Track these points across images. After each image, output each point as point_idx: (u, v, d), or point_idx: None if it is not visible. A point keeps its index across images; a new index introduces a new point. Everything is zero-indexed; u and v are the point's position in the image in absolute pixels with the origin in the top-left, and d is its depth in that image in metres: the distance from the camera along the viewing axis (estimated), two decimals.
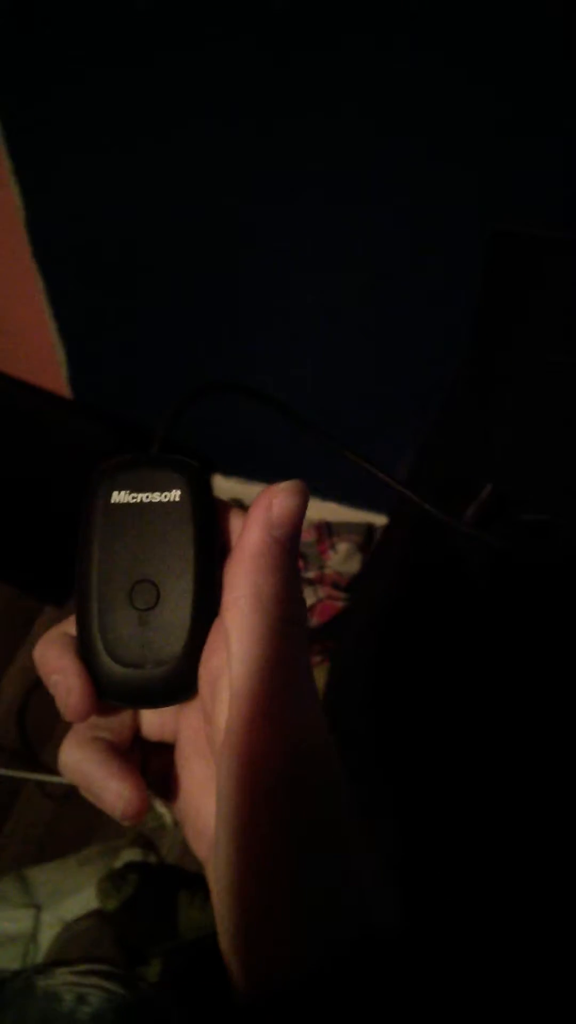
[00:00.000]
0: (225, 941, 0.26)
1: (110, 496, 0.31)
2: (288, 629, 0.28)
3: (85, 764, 0.30)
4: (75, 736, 0.31)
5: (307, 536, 1.48)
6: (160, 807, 1.12)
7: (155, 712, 0.33)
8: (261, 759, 0.26)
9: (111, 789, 0.29)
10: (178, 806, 0.33)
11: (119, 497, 0.31)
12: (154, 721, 0.33)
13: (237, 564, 0.28)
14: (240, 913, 0.25)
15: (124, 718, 0.33)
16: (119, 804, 0.29)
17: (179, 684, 0.30)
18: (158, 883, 1.03)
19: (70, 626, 0.32)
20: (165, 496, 0.31)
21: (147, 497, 0.31)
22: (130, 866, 1.07)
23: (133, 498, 0.31)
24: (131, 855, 1.10)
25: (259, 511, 0.29)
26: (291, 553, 0.29)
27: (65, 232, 1.21)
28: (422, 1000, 0.20)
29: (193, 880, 1.03)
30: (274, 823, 0.26)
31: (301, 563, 1.49)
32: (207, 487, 0.32)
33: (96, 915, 1.00)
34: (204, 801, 0.31)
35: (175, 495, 0.31)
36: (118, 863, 1.09)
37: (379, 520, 1.48)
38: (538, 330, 0.81)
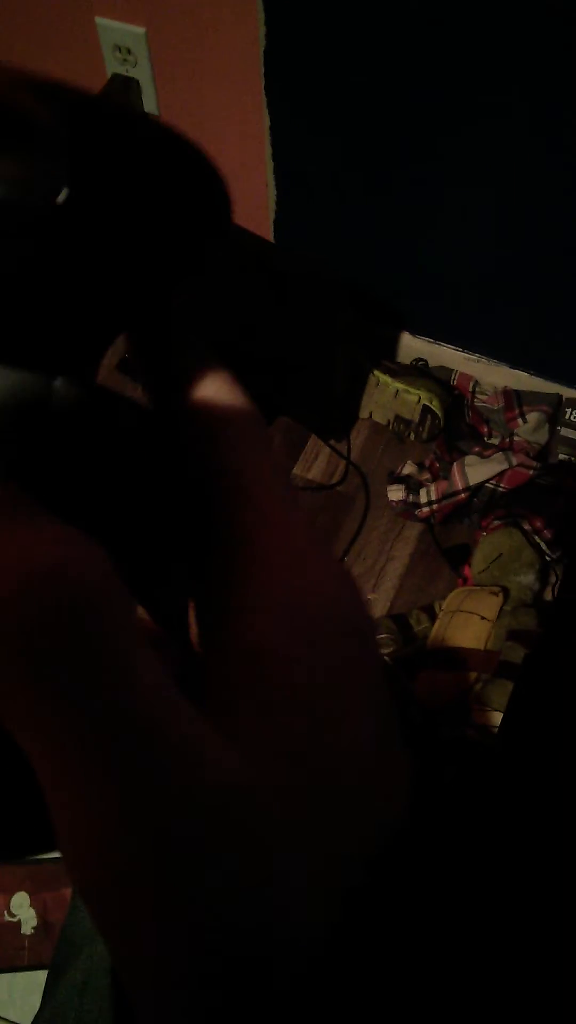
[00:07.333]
0: None
1: None
2: None
3: None
4: None
5: (493, 403, 1.46)
6: None
7: None
8: None
9: None
10: None
11: None
12: None
13: None
14: None
15: None
16: None
17: None
18: None
19: None
20: None
21: None
22: None
23: None
24: None
25: None
26: None
27: (300, 71, 1.19)
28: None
29: None
30: None
31: (484, 428, 1.48)
32: None
33: None
34: None
35: None
36: None
37: (568, 392, 1.43)
38: None
